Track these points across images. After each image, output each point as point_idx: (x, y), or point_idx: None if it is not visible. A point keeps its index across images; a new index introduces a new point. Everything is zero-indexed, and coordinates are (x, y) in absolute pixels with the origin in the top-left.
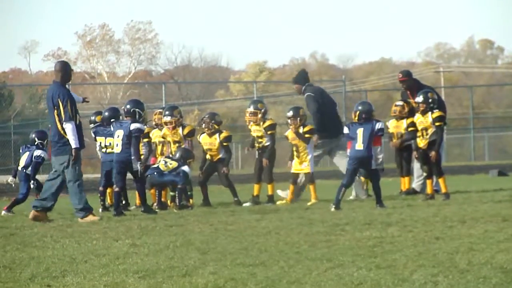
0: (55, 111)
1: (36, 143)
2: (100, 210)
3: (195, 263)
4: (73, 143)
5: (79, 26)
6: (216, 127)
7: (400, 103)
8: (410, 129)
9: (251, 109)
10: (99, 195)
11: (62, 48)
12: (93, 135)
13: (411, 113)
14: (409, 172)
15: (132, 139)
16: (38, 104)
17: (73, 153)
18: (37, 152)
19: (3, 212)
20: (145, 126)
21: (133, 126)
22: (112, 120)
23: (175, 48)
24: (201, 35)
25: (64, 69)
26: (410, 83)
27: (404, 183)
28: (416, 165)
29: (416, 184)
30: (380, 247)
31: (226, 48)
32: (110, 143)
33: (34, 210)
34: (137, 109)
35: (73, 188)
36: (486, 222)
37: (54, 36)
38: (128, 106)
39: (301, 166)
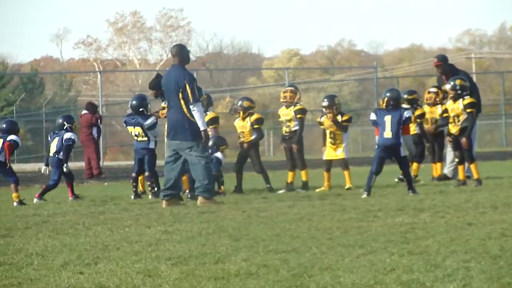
0: (180, 94)
1: (65, 127)
2: (132, 197)
3: (227, 250)
4: (202, 124)
5: (110, 14)
6: (242, 114)
7: (434, 89)
8: (444, 115)
9: (292, 88)
10: (131, 181)
11: (92, 36)
12: (124, 124)
13: (443, 99)
14: (441, 158)
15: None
16: (69, 91)
17: (203, 135)
18: (67, 135)
19: (35, 200)
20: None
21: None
22: (141, 109)
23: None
24: (232, 23)
25: (181, 53)
26: (445, 68)
27: (436, 169)
28: (448, 151)
29: (447, 170)
30: (412, 233)
31: (257, 36)
32: (138, 132)
33: (165, 200)
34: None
35: (203, 167)
36: None
37: (85, 24)
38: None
39: (335, 152)
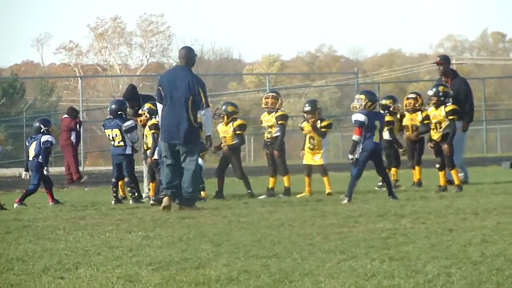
0: (191, 97)
1: (42, 130)
2: (113, 202)
3: (208, 255)
4: (209, 130)
5: (91, 18)
6: (226, 118)
7: (413, 95)
8: (425, 122)
9: (273, 93)
10: (111, 186)
11: (74, 41)
12: (102, 128)
13: (422, 105)
14: (420, 163)
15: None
16: (50, 96)
17: (208, 140)
18: (44, 138)
19: (15, 205)
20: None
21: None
22: (119, 112)
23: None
24: (213, 28)
25: (190, 55)
26: (446, 68)
27: (416, 174)
28: None
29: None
30: (393, 239)
31: (238, 41)
32: (116, 134)
33: (168, 197)
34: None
35: (192, 173)
36: (499, 214)
37: (66, 29)
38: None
39: (314, 158)
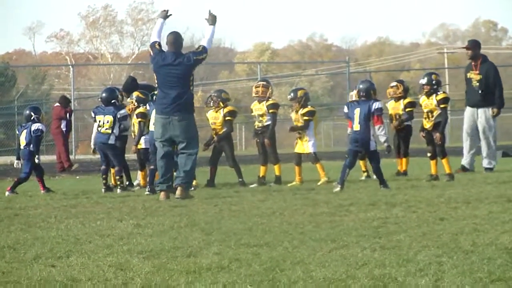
0: (191, 73)
1: (32, 118)
2: (103, 190)
3: (199, 244)
4: (210, 43)
5: (82, 7)
6: (222, 104)
7: (394, 83)
8: (407, 109)
9: (264, 82)
10: (101, 174)
11: (65, 29)
12: (92, 114)
13: (406, 92)
14: (406, 154)
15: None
16: (41, 85)
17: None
18: (35, 126)
19: (6, 193)
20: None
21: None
22: (112, 101)
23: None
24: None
25: (178, 40)
26: (475, 53)
27: (401, 164)
28: (464, 141)
29: (465, 161)
30: (385, 228)
31: (229, 30)
32: (108, 121)
33: (164, 192)
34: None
35: (187, 158)
36: (490, 203)
37: (58, 17)
38: (104, 95)
39: (303, 146)
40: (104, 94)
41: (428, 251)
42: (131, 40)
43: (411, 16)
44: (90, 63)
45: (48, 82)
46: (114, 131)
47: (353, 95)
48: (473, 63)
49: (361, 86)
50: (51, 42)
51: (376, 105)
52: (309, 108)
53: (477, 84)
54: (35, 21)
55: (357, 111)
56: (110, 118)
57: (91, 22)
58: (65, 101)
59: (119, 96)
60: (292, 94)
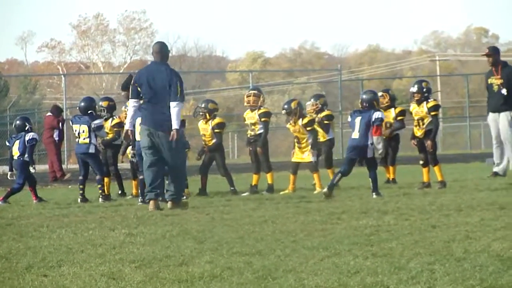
0: (170, 89)
1: (26, 128)
2: (79, 200)
3: (191, 252)
4: (176, 124)
5: (74, 17)
6: (209, 116)
7: (380, 93)
8: (399, 118)
9: (255, 91)
10: (78, 184)
11: (56, 39)
12: (70, 123)
13: (393, 101)
14: (394, 162)
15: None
16: (33, 94)
17: (175, 133)
18: (29, 135)
19: (0, 203)
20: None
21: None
22: (89, 111)
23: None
24: (196, 25)
25: (164, 50)
26: (496, 59)
27: (390, 172)
28: (494, 150)
29: (498, 168)
30: (377, 236)
31: (221, 38)
32: (83, 130)
33: (153, 201)
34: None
35: (176, 170)
36: (482, 210)
37: (49, 27)
38: (82, 104)
39: (302, 155)
40: (82, 104)
41: (420, 258)
42: (123, 49)
43: (402, 23)
44: (82, 73)
45: (40, 91)
46: (92, 140)
47: (308, 105)
48: (493, 69)
49: (364, 96)
50: (42, 52)
51: (376, 114)
52: (308, 117)
53: (500, 87)
54: (26, 31)
55: (358, 120)
56: (85, 127)
57: (82, 31)
58: (57, 111)
59: (97, 106)
60: (286, 107)
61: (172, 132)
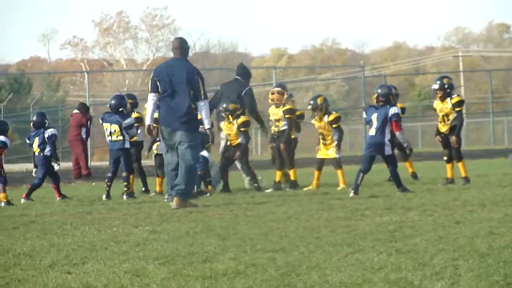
0: (190, 87)
1: (46, 124)
2: (104, 196)
3: (215, 249)
4: (208, 123)
5: (96, 14)
6: (231, 118)
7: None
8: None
9: (279, 88)
10: (106, 181)
11: (78, 36)
12: (100, 121)
13: (396, 97)
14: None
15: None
16: (57, 91)
17: (210, 133)
18: (49, 132)
19: (22, 200)
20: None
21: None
22: (120, 109)
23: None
24: (219, 22)
25: (184, 46)
26: None
27: (410, 166)
28: None
29: None
30: (400, 232)
31: (243, 35)
32: (115, 130)
33: (177, 198)
34: (121, 106)
35: (188, 168)
36: (506, 206)
37: (71, 24)
38: (113, 102)
39: (327, 152)
40: (113, 101)
41: (444, 254)
42: (146, 46)
43: (425, 20)
44: (105, 70)
45: (63, 88)
46: (126, 137)
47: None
48: None
49: (379, 91)
50: (65, 49)
51: (393, 110)
52: (335, 114)
53: None
54: (48, 28)
55: (374, 116)
56: (116, 127)
57: (105, 29)
58: (84, 108)
59: (128, 104)
60: (312, 103)
61: (207, 132)
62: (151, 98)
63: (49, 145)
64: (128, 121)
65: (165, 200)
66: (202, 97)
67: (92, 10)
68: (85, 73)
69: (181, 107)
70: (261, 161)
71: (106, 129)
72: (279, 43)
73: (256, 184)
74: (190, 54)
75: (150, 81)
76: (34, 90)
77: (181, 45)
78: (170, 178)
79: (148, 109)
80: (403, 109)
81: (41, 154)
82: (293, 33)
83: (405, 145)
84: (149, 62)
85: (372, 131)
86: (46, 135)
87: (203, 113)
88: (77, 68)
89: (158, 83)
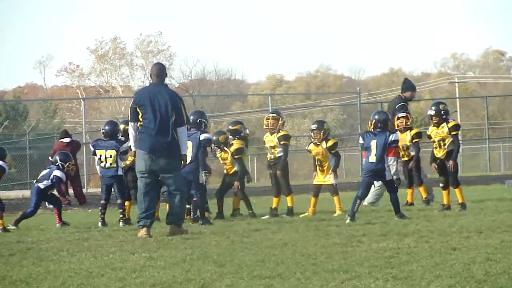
0: (173, 113)
1: (57, 164)
2: (99, 224)
3: (212, 276)
4: (184, 149)
5: (91, 40)
6: (226, 148)
7: (403, 114)
8: (415, 140)
9: (273, 114)
10: (100, 208)
11: (74, 63)
12: (91, 148)
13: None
14: (422, 181)
15: (200, 148)
16: (53, 118)
17: (183, 159)
18: (56, 173)
19: (11, 226)
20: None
21: (203, 136)
22: (116, 135)
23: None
24: (215, 49)
25: (164, 72)
26: None
27: (411, 194)
28: None
29: None
30: (397, 258)
31: (240, 62)
32: (111, 155)
33: (146, 227)
34: (202, 120)
35: (181, 196)
36: (502, 232)
37: (67, 50)
38: (192, 117)
39: (324, 178)
40: (107, 127)
41: (441, 281)
42: (142, 73)
43: (421, 46)
44: (101, 97)
45: (60, 115)
46: (119, 163)
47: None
48: None
49: (377, 117)
50: (61, 76)
51: (392, 137)
52: (333, 140)
53: None
54: (44, 55)
55: (373, 142)
56: (113, 152)
57: (100, 56)
58: (65, 134)
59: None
60: (316, 125)
61: (181, 158)
62: (132, 127)
63: (50, 184)
64: (125, 145)
65: (137, 225)
66: (184, 122)
67: (86, 37)
68: (81, 100)
69: (165, 133)
70: (258, 188)
71: (100, 156)
72: (275, 70)
73: (251, 211)
74: (185, 80)
75: (130, 109)
76: (30, 117)
77: (162, 72)
78: (141, 202)
79: (132, 138)
80: (419, 134)
81: (36, 184)
82: (289, 59)
83: (393, 171)
84: None
85: (372, 158)
86: (53, 174)
87: (182, 139)
88: (73, 95)
89: (138, 110)
